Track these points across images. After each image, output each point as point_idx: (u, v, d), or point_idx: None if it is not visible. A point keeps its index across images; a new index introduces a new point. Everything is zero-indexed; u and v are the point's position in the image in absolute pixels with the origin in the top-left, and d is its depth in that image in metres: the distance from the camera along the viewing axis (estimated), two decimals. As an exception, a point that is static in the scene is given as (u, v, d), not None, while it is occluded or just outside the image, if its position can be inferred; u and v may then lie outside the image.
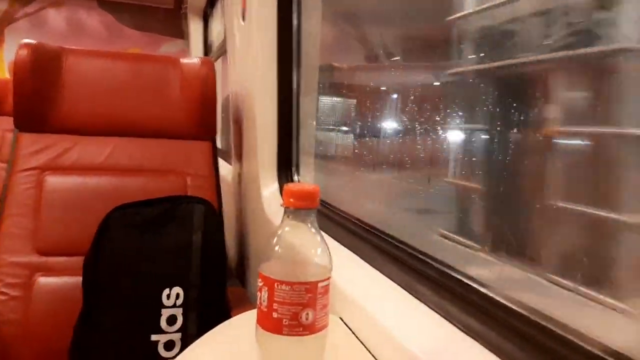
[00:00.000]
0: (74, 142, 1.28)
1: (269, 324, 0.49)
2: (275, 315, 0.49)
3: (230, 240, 1.65)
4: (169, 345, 1.00)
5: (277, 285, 0.49)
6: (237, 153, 1.63)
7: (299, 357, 0.51)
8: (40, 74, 1.25)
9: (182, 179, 1.31)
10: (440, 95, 0.89)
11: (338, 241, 0.94)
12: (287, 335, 0.49)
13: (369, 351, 0.67)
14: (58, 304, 1.11)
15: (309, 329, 0.49)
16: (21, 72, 1.22)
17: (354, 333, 0.72)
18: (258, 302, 0.51)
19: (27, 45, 1.24)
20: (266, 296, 0.49)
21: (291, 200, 0.51)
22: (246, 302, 1.26)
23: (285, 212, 0.52)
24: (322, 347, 0.52)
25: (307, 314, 0.49)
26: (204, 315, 1.03)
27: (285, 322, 0.49)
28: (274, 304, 0.49)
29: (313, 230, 0.51)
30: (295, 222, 0.51)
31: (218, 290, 1.11)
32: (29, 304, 1.10)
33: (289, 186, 0.51)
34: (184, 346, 1.00)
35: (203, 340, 0.73)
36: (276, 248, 0.51)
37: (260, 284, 0.50)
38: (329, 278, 0.51)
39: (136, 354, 0.99)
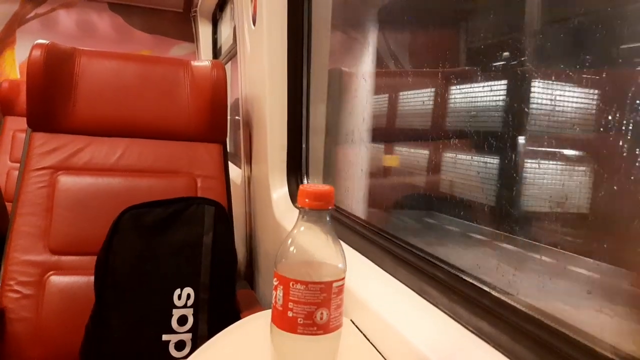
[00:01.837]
0: (86, 143, 1.29)
1: (284, 322, 0.50)
2: (290, 314, 0.49)
3: (238, 243, 1.66)
4: (180, 346, 1.00)
5: (293, 285, 0.49)
6: (247, 156, 1.64)
7: (313, 356, 0.52)
8: (53, 74, 1.27)
9: (192, 180, 1.32)
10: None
11: (349, 244, 0.94)
12: (302, 334, 0.49)
13: (380, 353, 0.67)
14: (70, 302, 1.12)
15: (324, 328, 0.50)
16: (34, 72, 1.24)
17: (365, 335, 0.72)
18: (273, 301, 0.51)
19: (40, 45, 1.25)
20: (281, 295, 0.50)
21: (306, 200, 0.51)
22: (255, 304, 1.27)
23: (300, 212, 0.52)
24: (335, 347, 0.53)
25: (322, 313, 0.49)
26: (215, 316, 1.04)
27: (300, 321, 0.49)
28: (289, 303, 0.49)
29: (327, 230, 0.52)
30: (310, 223, 0.52)
31: (228, 291, 1.11)
32: (41, 302, 1.12)
33: (304, 186, 0.52)
34: (194, 346, 1.01)
35: (214, 341, 0.74)
36: (291, 248, 0.52)
37: (276, 283, 0.51)
38: (343, 278, 0.52)
39: (147, 354, 0.99)
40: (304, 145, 1.35)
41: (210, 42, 3.30)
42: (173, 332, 1.00)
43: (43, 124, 1.28)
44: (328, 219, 0.52)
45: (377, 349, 0.68)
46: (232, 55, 2.31)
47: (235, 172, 1.81)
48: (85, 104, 1.30)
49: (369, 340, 0.71)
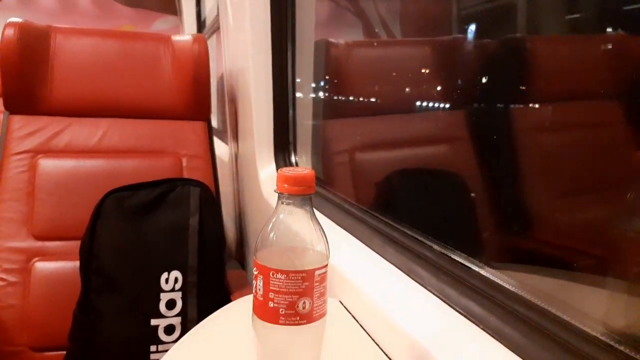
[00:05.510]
0: (66, 124, 1.25)
1: (265, 313, 0.48)
2: (271, 304, 0.48)
3: (228, 222, 1.64)
4: (169, 330, 0.99)
5: (273, 274, 0.47)
6: (233, 133, 1.60)
7: (297, 346, 0.50)
8: (29, 54, 1.22)
9: (177, 160, 1.29)
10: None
11: (337, 223, 0.92)
12: (284, 324, 0.48)
13: (369, 334, 0.66)
14: (56, 288, 1.10)
15: (307, 318, 0.48)
16: (8, 52, 1.19)
17: (353, 316, 0.71)
18: (254, 291, 0.50)
19: (13, 24, 1.20)
20: (261, 285, 0.48)
21: (285, 186, 0.49)
22: (246, 285, 1.26)
23: (279, 197, 0.50)
24: (320, 335, 0.51)
25: (304, 302, 0.48)
26: (204, 299, 1.02)
27: (282, 311, 0.47)
28: (270, 293, 0.48)
29: (309, 216, 0.50)
30: (291, 208, 0.49)
31: (217, 274, 1.10)
32: (27, 289, 1.10)
33: (282, 171, 0.49)
34: (184, 330, 1.00)
35: (203, 325, 0.73)
36: (271, 235, 0.50)
37: (256, 273, 0.49)
38: (326, 265, 0.50)
39: (136, 338, 0.98)
40: (291, 121, 1.32)
41: (194, 15, 3.21)
42: (162, 316, 0.99)
43: (20, 106, 1.24)
44: (309, 204, 0.50)
45: (365, 330, 0.68)
46: (217, 28, 2.24)
47: (223, 149, 1.78)
48: (63, 84, 1.26)
49: (356, 321, 0.70)
